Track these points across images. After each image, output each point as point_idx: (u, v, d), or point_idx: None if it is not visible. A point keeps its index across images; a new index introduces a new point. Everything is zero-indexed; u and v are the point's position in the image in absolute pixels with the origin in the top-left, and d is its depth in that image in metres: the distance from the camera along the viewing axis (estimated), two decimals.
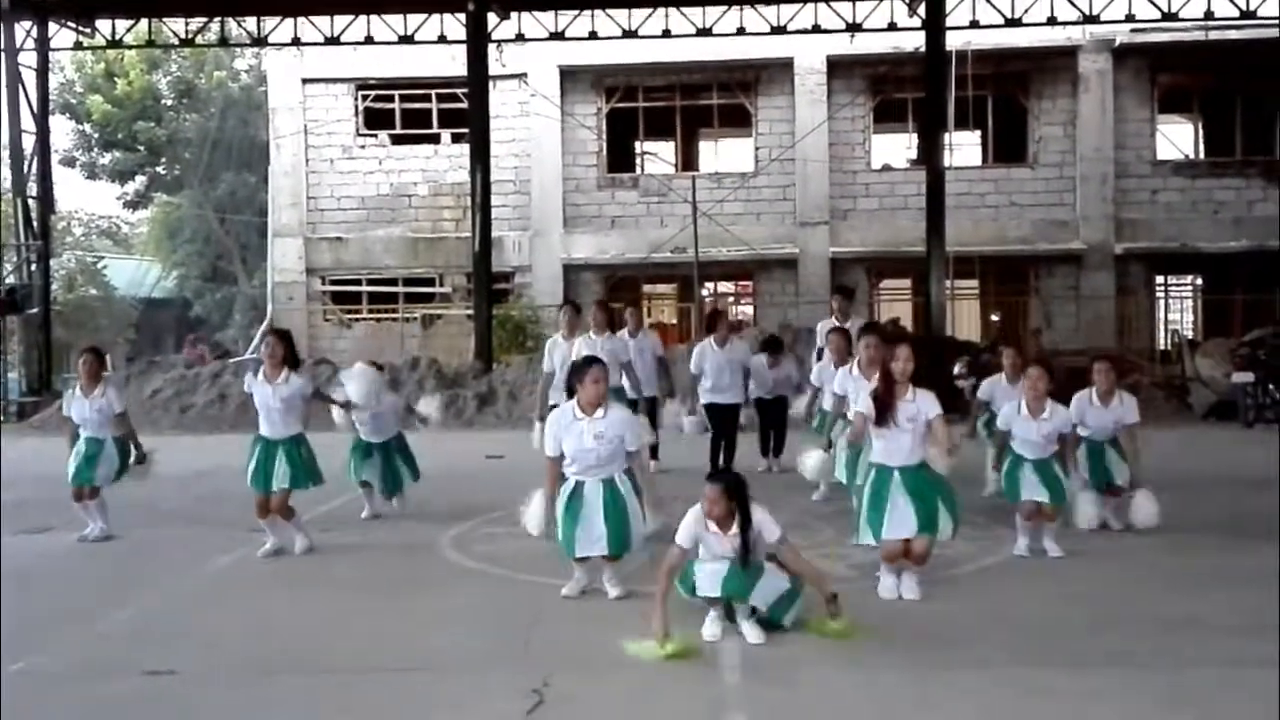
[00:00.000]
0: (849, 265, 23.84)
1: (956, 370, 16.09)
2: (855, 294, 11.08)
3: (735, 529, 5.47)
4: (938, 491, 6.17)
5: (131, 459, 8.46)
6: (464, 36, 20.33)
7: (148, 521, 8.61)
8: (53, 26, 21.58)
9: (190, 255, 36.48)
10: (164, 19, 22.71)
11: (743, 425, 11.11)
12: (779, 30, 21.45)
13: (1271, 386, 15.79)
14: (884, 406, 6.20)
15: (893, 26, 21.36)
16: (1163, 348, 23.51)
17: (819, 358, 10.54)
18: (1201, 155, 25.18)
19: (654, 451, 10.79)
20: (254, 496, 7.67)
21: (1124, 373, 18.46)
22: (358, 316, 25.84)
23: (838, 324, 10.72)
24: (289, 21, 21.97)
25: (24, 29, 21.07)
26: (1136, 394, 16.91)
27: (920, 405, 6.21)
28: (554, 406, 10.12)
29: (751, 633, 5.35)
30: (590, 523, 6.15)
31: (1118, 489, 7.88)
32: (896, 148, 26.21)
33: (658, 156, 27.44)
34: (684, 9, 21.15)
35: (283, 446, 7.61)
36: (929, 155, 20.41)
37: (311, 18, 21.76)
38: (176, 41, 24.18)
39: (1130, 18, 21.14)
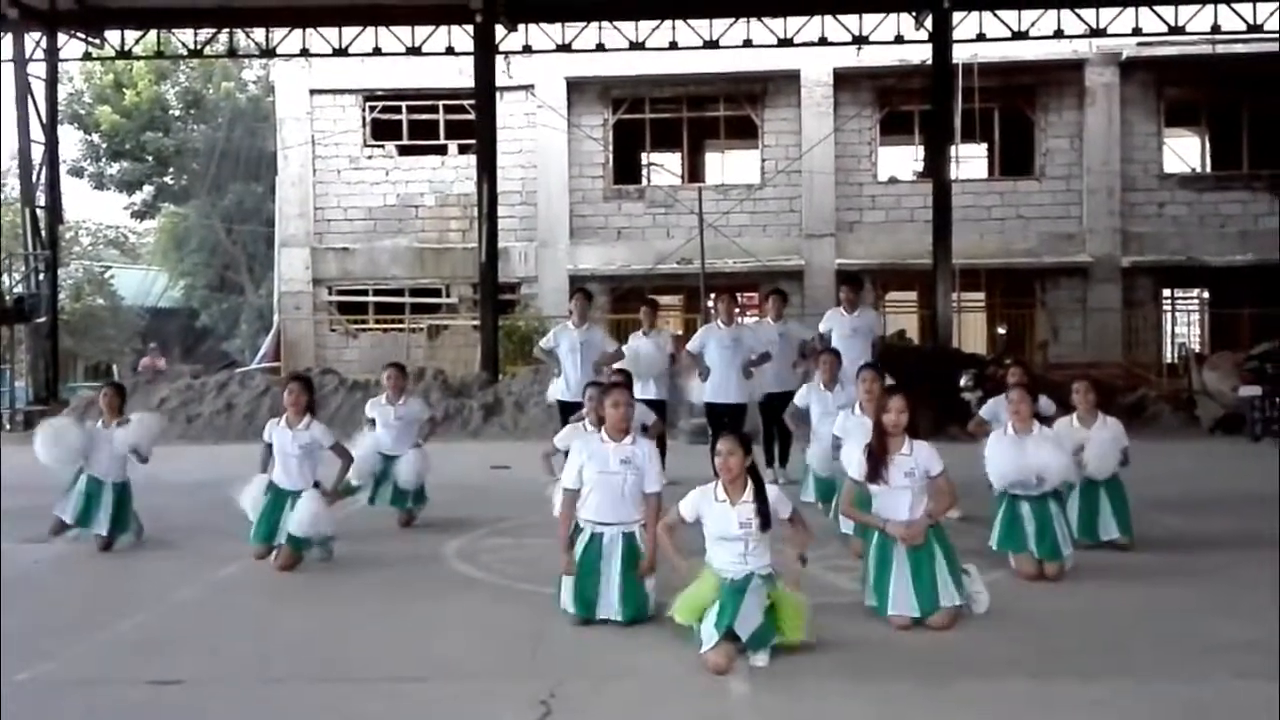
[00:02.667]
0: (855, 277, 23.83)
1: (962, 383, 16.08)
2: (864, 285, 10.82)
3: (747, 497, 5.44)
4: (939, 555, 5.93)
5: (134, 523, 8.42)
6: (471, 48, 20.37)
7: (153, 530, 8.61)
8: (62, 37, 21.63)
9: (197, 265, 36.57)
10: (172, 30, 22.76)
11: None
12: (786, 43, 21.46)
13: (1278, 400, 15.75)
14: (877, 462, 6.00)
15: (899, 39, 21.35)
16: (1169, 361, 23.49)
17: (820, 341, 10.47)
18: (1208, 169, 25.16)
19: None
20: (253, 548, 7.61)
21: (1131, 386, 18.50)
22: (364, 327, 25.87)
23: (845, 313, 10.68)
24: (297, 33, 22.00)
25: (33, 39, 21.14)
26: (1143, 409, 16.92)
27: (919, 460, 6.01)
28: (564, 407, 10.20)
29: (757, 657, 5.26)
30: (609, 584, 5.95)
31: (1112, 544, 7.56)
32: (903, 160, 26.21)
33: (664, 168, 27.47)
34: (691, 21, 21.17)
35: (292, 499, 7.53)
36: (935, 168, 20.39)
37: (319, 29, 21.79)
38: (185, 52, 24.25)
39: (1137, 31, 21.12)
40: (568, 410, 10.21)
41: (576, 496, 6.13)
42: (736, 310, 11.39)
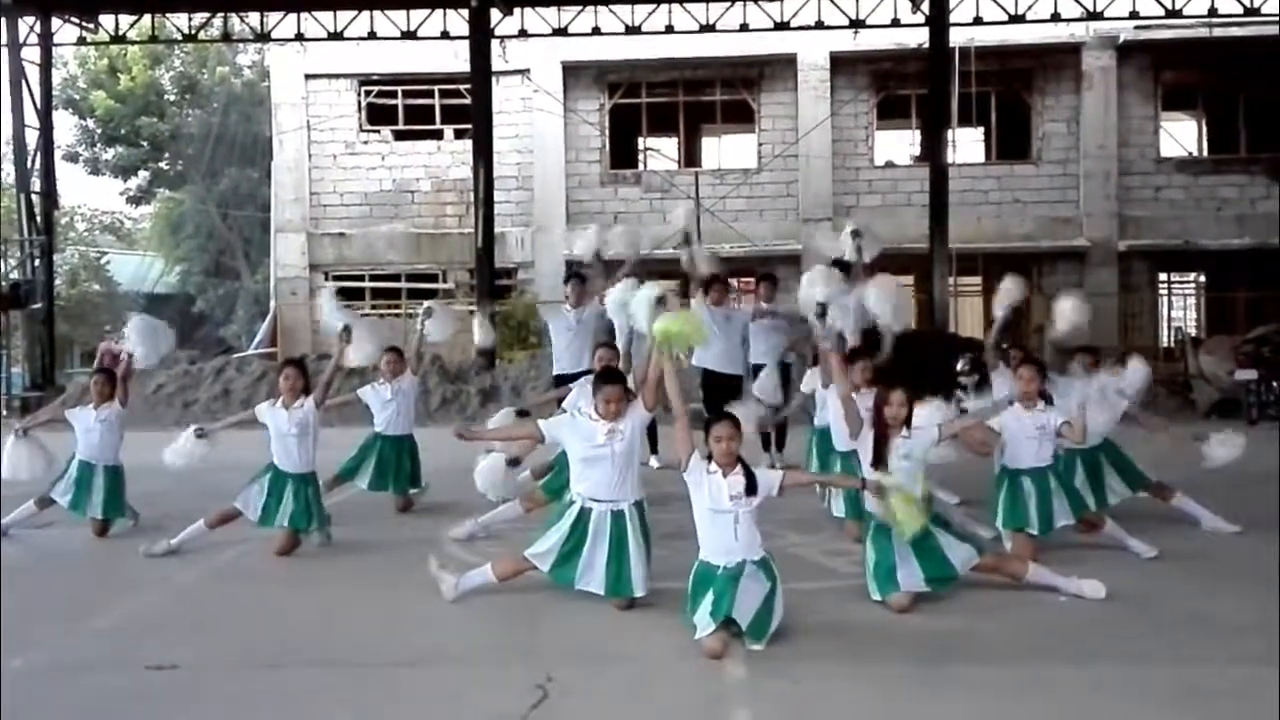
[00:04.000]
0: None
1: (959, 367, 16.04)
2: (851, 269, 10.85)
3: (738, 470, 5.48)
4: (939, 531, 6.05)
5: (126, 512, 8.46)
6: (467, 32, 20.32)
7: (149, 516, 8.61)
8: (56, 22, 21.58)
9: (193, 251, 36.53)
10: (167, 14, 22.69)
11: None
12: (782, 26, 21.43)
13: (1275, 384, 15.78)
14: (879, 450, 6.09)
15: (896, 23, 21.32)
16: (1166, 345, 23.50)
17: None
18: (1205, 152, 25.14)
19: (653, 444, 10.67)
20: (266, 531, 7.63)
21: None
22: (361, 312, 25.79)
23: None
24: (292, 17, 21.95)
25: (27, 24, 21.07)
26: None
27: (917, 442, 6.12)
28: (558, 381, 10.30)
29: (754, 642, 5.29)
30: (592, 556, 5.98)
31: (1094, 520, 7.29)
32: (900, 144, 26.18)
33: (660, 153, 27.43)
34: (687, 5, 21.14)
35: (291, 482, 7.56)
36: (932, 152, 20.39)
37: (315, 13, 21.74)
38: (179, 37, 24.16)
39: (1134, 14, 21.10)
40: (561, 383, 10.36)
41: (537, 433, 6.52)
42: (731, 297, 11.43)
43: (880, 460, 6.08)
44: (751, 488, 5.43)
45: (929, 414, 6.25)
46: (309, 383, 7.89)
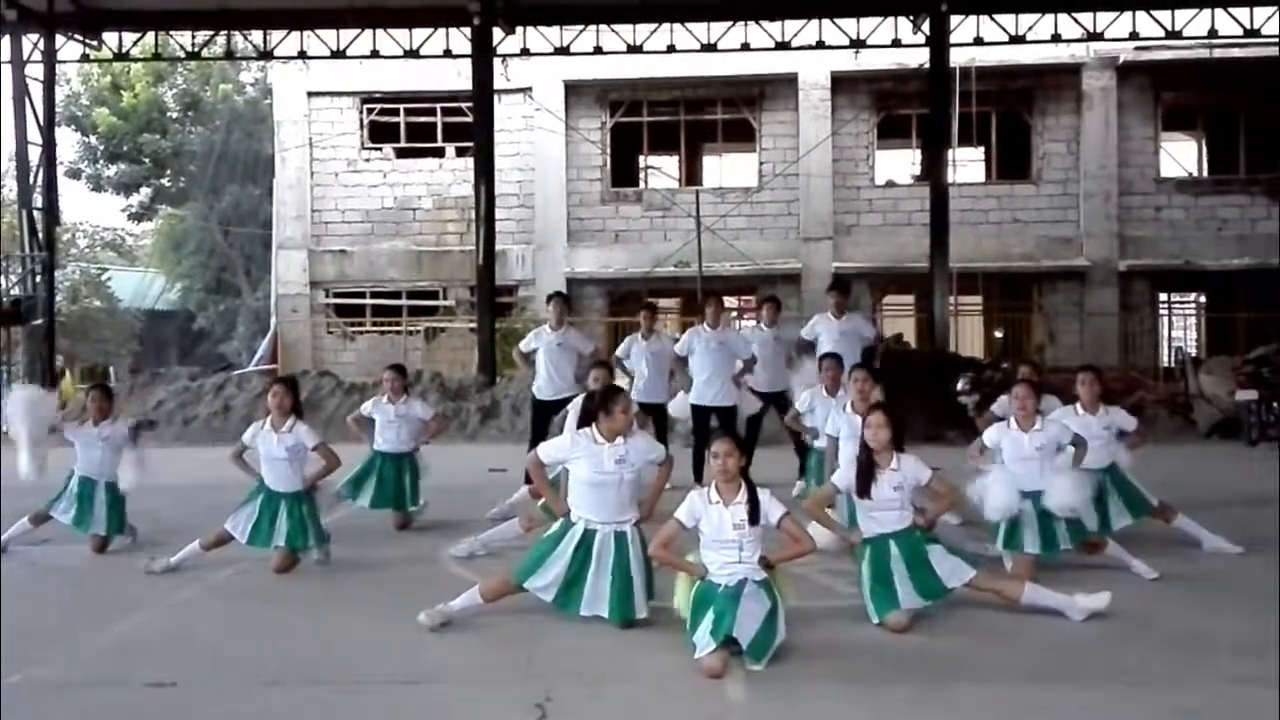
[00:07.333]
0: (853, 281, 23.80)
1: (959, 386, 16.09)
2: (851, 289, 10.85)
3: (741, 498, 5.47)
4: (932, 549, 6.05)
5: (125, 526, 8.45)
6: (469, 51, 20.38)
7: (148, 533, 8.60)
8: (59, 39, 21.63)
9: (194, 267, 36.55)
10: (170, 32, 22.76)
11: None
12: (783, 46, 21.48)
13: (1275, 404, 15.76)
14: (865, 478, 6.06)
15: (897, 43, 21.38)
16: (1166, 365, 23.49)
17: (803, 350, 10.46)
18: (1205, 173, 25.20)
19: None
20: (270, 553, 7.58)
21: (1128, 390, 18.50)
22: (361, 329, 25.85)
23: (833, 318, 10.67)
24: (295, 35, 22.01)
25: (31, 41, 21.13)
26: (1140, 412, 16.89)
27: (905, 473, 6.08)
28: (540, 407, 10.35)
29: (753, 661, 5.28)
30: (597, 581, 5.95)
31: (1098, 542, 7.26)
32: (900, 164, 26.24)
33: (661, 171, 27.51)
34: (689, 24, 21.20)
35: (285, 501, 7.52)
36: (933, 171, 20.41)
37: (317, 31, 21.81)
38: (182, 55, 24.25)
39: (1134, 35, 21.16)
40: (542, 410, 10.47)
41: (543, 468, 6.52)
42: (728, 313, 11.38)
43: (866, 490, 6.07)
44: (754, 516, 5.42)
45: (915, 466, 6.17)
46: (298, 402, 7.84)
